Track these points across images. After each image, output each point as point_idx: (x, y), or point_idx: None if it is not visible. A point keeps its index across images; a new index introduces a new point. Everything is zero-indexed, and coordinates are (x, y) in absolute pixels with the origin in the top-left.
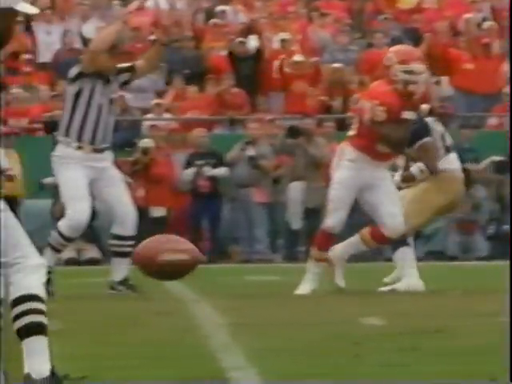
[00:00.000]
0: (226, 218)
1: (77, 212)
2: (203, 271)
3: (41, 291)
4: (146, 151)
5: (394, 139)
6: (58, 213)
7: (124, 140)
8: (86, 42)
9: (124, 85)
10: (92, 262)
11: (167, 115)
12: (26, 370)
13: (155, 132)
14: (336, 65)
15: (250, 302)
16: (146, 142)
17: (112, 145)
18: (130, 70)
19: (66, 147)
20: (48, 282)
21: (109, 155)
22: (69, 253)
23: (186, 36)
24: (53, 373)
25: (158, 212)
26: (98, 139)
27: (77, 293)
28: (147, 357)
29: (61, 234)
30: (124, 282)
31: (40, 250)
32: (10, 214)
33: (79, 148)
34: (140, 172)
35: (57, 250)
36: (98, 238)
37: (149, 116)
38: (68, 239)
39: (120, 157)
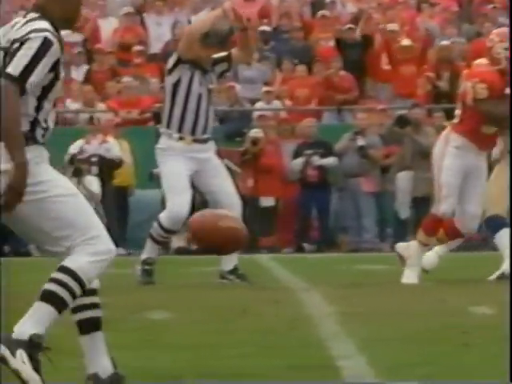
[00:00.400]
0: (335, 208)
1: (176, 205)
2: (312, 260)
3: (97, 283)
4: (255, 141)
5: (498, 115)
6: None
7: (233, 130)
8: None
9: (222, 75)
10: (182, 251)
11: (277, 102)
12: (90, 370)
13: (264, 122)
14: (444, 42)
15: (358, 291)
16: (255, 132)
17: (222, 135)
18: (227, 59)
19: (167, 139)
20: (148, 272)
21: (211, 146)
22: (179, 242)
23: (295, 27)
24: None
25: (267, 202)
26: (199, 130)
27: (186, 282)
28: (257, 345)
29: (161, 226)
30: (234, 272)
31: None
32: (81, 198)
33: (180, 139)
34: (249, 162)
35: (157, 242)
36: None
37: (258, 106)
38: (168, 231)
39: (230, 147)
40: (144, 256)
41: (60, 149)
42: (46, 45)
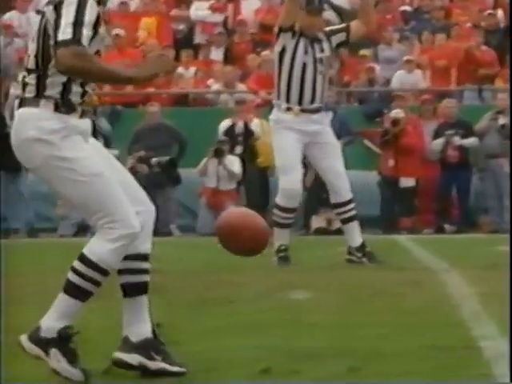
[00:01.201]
0: (475, 188)
1: (287, 182)
2: (453, 241)
3: (105, 262)
4: (395, 122)
5: None
6: (308, 183)
7: (373, 111)
8: (336, 9)
9: (339, 46)
10: (341, 231)
11: (418, 72)
12: (124, 332)
13: (404, 102)
14: None
15: (499, 273)
16: (395, 113)
17: (361, 116)
18: (345, 30)
19: (277, 110)
20: (284, 258)
21: (323, 117)
22: (319, 222)
23: (436, 6)
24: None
25: (407, 182)
26: (306, 99)
27: (326, 263)
28: (397, 326)
29: (279, 207)
30: (361, 249)
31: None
32: (106, 179)
33: (288, 110)
34: (389, 142)
35: (282, 226)
36: None
37: (398, 79)
38: (286, 210)
39: (369, 127)
40: (276, 244)
41: (202, 129)
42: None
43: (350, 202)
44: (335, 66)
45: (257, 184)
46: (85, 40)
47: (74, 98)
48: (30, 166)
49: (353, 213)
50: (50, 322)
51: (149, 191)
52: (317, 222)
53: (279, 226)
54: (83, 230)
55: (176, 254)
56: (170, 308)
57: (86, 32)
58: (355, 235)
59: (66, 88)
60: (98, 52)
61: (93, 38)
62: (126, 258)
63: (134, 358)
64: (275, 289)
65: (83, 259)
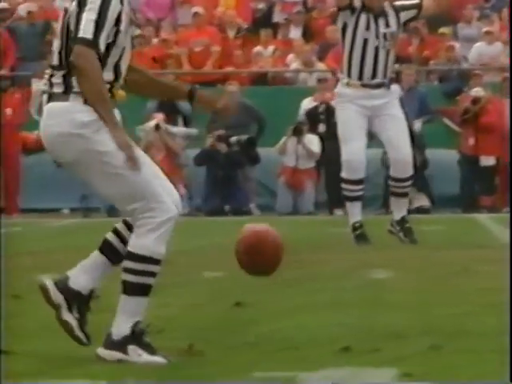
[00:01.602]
0: None
1: (347, 152)
2: None
3: (154, 252)
4: (476, 100)
5: None
6: (388, 161)
7: (453, 89)
8: None
9: (408, 22)
10: (421, 210)
11: (498, 44)
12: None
13: (483, 80)
14: None
15: None
16: (476, 91)
17: (441, 94)
18: (417, 7)
19: (340, 84)
20: (360, 236)
21: (386, 92)
22: (419, 201)
23: None
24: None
25: (487, 161)
26: (366, 75)
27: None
28: (479, 304)
29: (343, 180)
30: (400, 223)
31: (373, 199)
32: (141, 167)
33: (348, 84)
34: (470, 121)
35: (351, 199)
36: (427, 186)
37: (477, 52)
38: (349, 182)
39: (449, 106)
40: (350, 222)
41: (281, 108)
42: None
43: (406, 179)
44: (415, 43)
45: (337, 163)
46: (102, 45)
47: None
48: (63, 161)
49: (406, 190)
50: (120, 325)
51: (228, 170)
52: (417, 201)
53: (348, 199)
54: None
55: None
56: (253, 287)
57: (106, 33)
58: (400, 210)
59: None
60: (123, 49)
61: (116, 35)
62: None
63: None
64: (355, 267)
65: (132, 257)
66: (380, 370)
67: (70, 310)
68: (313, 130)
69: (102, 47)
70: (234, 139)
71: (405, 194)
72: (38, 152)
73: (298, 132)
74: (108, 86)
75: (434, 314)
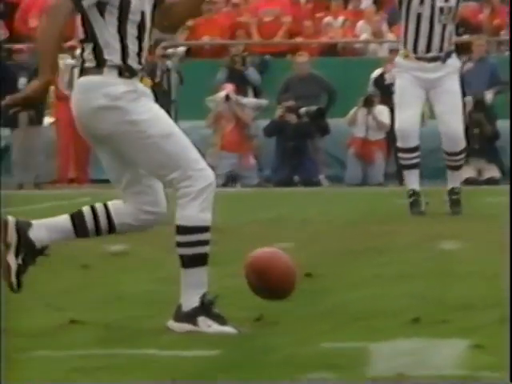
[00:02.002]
0: None
1: (400, 121)
2: None
3: (200, 220)
4: None
5: None
6: None
7: None
8: None
9: None
10: (491, 181)
11: None
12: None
13: None
14: None
15: None
16: None
17: None
18: None
19: (398, 55)
20: (414, 203)
21: (442, 67)
22: (469, 172)
23: None
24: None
25: None
26: (420, 48)
27: (476, 212)
28: None
29: (397, 148)
30: (450, 193)
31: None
32: (175, 137)
33: (405, 56)
34: None
35: (408, 167)
36: (498, 158)
37: None
38: (402, 150)
39: None
40: (407, 188)
41: (351, 79)
42: None
43: (457, 153)
44: (485, 12)
45: None
46: (86, 1)
47: (133, 62)
48: (99, 134)
49: (458, 163)
50: (188, 298)
51: (297, 141)
52: (467, 172)
53: (404, 167)
54: (233, 180)
55: (325, 205)
56: (322, 258)
57: None
58: (452, 181)
59: (124, 53)
60: (142, 13)
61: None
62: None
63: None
64: (425, 238)
65: (182, 230)
66: (450, 341)
67: (16, 254)
68: (383, 101)
69: (86, 3)
70: (303, 110)
71: (457, 167)
72: None
73: (368, 103)
74: (137, 57)
75: (503, 285)
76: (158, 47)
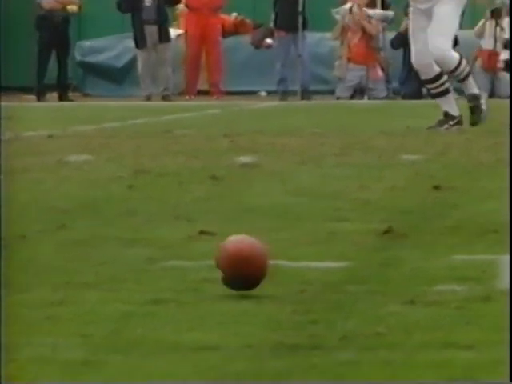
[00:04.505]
0: None
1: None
2: None
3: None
4: None
5: None
6: None
7: None
8: None
9: None
10: None
11: None
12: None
13: None
14: None
15: None
16: None
17: None
18: None
19: None
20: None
21: None
22: None
23: None
24: None
25: None
26: None
27: None
28: None
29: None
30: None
31: None
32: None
33: None
34: None
35: (438, 95)
36: None
37: None
38: (427, 81)
39: None
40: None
41: None
42: None
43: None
44: None
45: None
46: None
47: None
48: None
49: (458, 78)
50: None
51: None
52: None
53: (435, 96)
54: (360, 92)
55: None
56: (451, 170)
57: None
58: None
59: None
60: None
61: None
62: None
63: None
64: None
65: None
66: None
67: None
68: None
69: None
70: None
71: (462, 80)
72: (236, 35)
73: (496, 15)
74: None
75: None
76: None
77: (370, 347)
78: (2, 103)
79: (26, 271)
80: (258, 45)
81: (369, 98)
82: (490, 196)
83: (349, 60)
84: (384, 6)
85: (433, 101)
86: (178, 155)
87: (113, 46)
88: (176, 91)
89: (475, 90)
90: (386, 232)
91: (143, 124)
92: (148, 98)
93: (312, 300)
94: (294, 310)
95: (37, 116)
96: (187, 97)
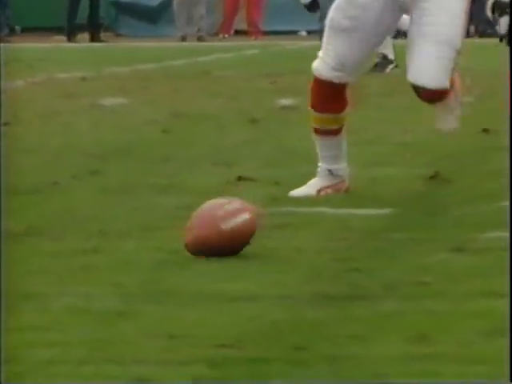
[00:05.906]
0: None
1: None
2: None
3: None
4: None
5: None
6: None
7: None
8: None
9: None
10: None
11: None
12: None
13: None
14: None
15: None
16: None
17: None
18: None
19: None
20: None
21: None
22: None
23: None
24: None
25: None
26: None
27: None
28: None
29: None
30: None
31: None
32: None
33: None
34: None
35: None
36: None
37: None
38: None
39: None
40: None
41: None
42: None
43: None
44: None
45: None
46: None
47: None
48: None
49: None
50: None
51: None
52: None
53: None
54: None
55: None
56: (496, 114)
57: None
58: None
59: None
60: None
61: None
62: None
63: None
64: None
65: None
66: None
67: None
68: None
69: None
70: None
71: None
72: None
73: (500, 9)
74: None
75: None
76: None
77: (414, 296)
78: (32, 44)
79: (59, 219)
80: None
81: None
82: None
83: None
84: None
85: (482, 40)
86: (217, 97)
87: None
88: (211, 32)
89: None
90: (433, 177)
91: (180, 65)
92: (183, 39)
93: (354, 248)
94: (334, 257)
95: (68, 57)
96: (221, 35)
